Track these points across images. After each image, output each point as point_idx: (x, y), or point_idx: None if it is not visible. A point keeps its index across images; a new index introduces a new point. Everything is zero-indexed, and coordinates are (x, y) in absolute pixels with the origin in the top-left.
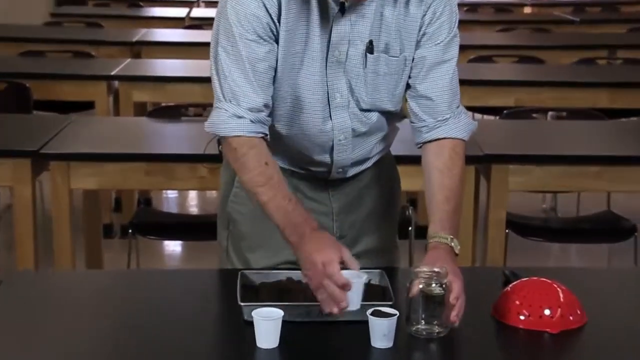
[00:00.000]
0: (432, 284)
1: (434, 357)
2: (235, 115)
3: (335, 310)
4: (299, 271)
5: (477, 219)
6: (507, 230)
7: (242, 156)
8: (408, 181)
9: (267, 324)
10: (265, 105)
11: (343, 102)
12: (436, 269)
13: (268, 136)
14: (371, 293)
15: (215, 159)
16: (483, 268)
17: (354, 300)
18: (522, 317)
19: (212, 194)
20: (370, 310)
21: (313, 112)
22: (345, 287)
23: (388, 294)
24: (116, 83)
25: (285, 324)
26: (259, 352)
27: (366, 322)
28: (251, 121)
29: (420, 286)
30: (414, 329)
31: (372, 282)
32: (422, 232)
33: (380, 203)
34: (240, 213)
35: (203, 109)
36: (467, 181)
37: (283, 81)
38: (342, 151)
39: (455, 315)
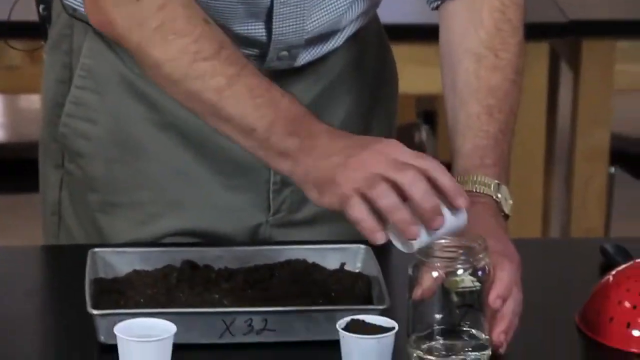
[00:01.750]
0: (457, 270)
1: None
2: None
3: (436, 223)
4: (212, 248)
5: (553, 147)
6: (611, 169)
7: (156, 13)
8: (418, 79)
9: (144, 349)
10: None
11: None
12: (466, 243)
13: None
14: (347, 288)
15: (31, 33)
16: (563, 240)
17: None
18: (636, 333)
19: (32, 101)
20: (344, 322)
21: None
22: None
23: (378, 291)
24: None
25: (180, 349)
26: None
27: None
28: None
29: (436, 275)
30: (423, 355)
31: (347, 266)
32: None
33: (361, 119)
34: (87, 136)
35: None
36: (532, 74)
37: None
38: (288, 16)
39: (501, 332)
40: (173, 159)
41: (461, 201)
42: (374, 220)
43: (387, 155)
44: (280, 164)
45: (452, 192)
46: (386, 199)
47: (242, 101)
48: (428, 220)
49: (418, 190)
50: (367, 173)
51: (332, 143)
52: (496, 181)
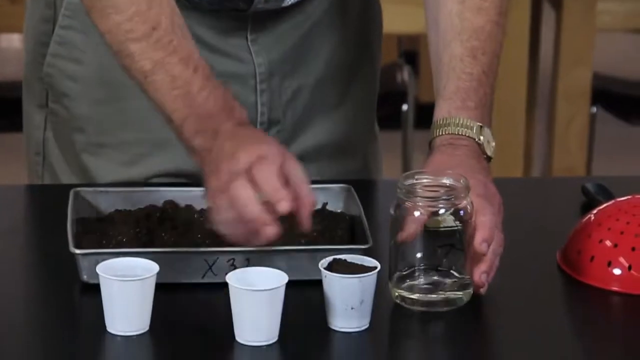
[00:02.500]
0: (439, 210)
1: (443, 350)
2: None
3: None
4: (194, 189)
5: (535, 87)
6: (593, 108)
7: None
8: (400, 19)
9: (127, 288)
10: None
11: None
12: (447, 181)
13: None
14: (330, 228)
15: None
16: (544, 179)
17: None
18: (616, 272)
19: (12, 40)
20: (326, 262)
21: None
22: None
23: (360, 231)
24: None
25: (162, 288)
26: (110, 341)
27: (318, 283)
28: None
29: (418, 214)
30: (405, 294)
31: (329, 206)
32: (425, 114)
33: (344, 58)
34: (73, 77)
35: None
36: (515, 14)
37: None
38: None
39: (483, 272)
40: None
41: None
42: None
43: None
44: (192, 157)
45: (298, 179)
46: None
47: (161, 90)
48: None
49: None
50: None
51: (230, 142)
52: (479, 123)
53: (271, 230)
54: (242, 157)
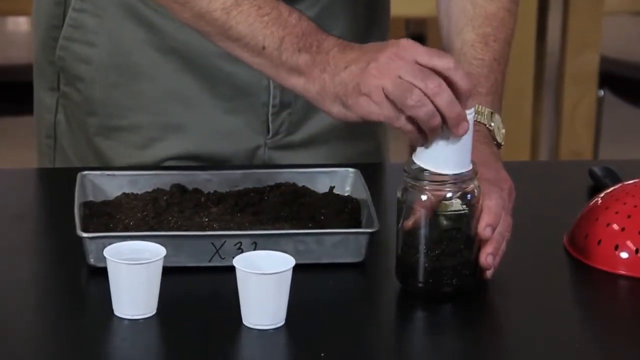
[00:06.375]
0: (446, 194)
1: (450, 334)
2: None
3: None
4: (201, 172)
5: (542, 71)
6: (600, 91)
7: None
8: (409, 1)
9: (134, 271)
10: None
11: None
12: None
13: None
14: (337, 212)
15: None
16: (551, 163)
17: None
18: (624, 255)
19: (19, 23)
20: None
21: None
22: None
23: (367, 214)
24: None
25: (169, 272)
26: (117, 324)
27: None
28: None
29: (424, 198)
30: (411, 279)
31: (336, 190)
32: None
33: (354, 40)
34: (86, 60)
35: None
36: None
37: None
38: None
39: (489, 254)
40: (172, 82)
41: (469, 103)
42: (417, 127)
43: (406, 58)
44: (292, 81)
45: (464, 95)
46: (424, 107)
47: (250, 19)
48: (454, 127)
49: (443, 99)
50: (393, 79)
51: (344, 55)
52: (489, 109)
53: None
54: (388, 50)
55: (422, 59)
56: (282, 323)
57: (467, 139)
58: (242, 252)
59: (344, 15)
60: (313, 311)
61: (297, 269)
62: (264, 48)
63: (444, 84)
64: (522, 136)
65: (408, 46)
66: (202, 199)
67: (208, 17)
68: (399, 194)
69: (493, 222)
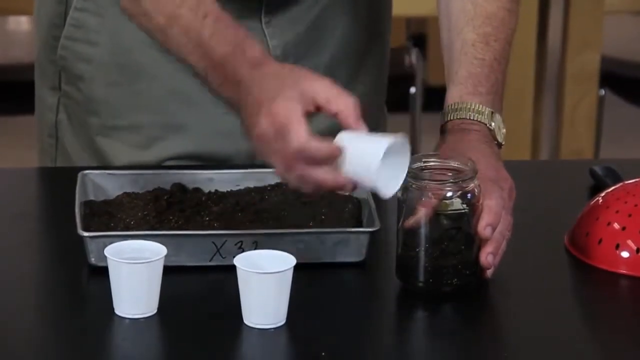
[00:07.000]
0: (447, 193)
1: (452, 334)
2: None
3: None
4: (202, 171)
5: (543, 70)
6: (601, 91)
7: None
8: (409, 1)
9: (135, 271)
10: None
11: None
12: (455, 165)
13: None
14: (337, 211)
15: None
16: (552, 162)
17: (364, 161)
18: (624, 254)
19: (20, 23)
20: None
21: None
22: (329, 158)
23: (368, 214)
24: None
25: (170, 271)
26: (118, 323)
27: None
28: None
29: (424, 197)
30: (411, 278)
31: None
32: (433, 97)
33: (355, 41)
34: (88, 59)
35: None
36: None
37: None
38: None
39: (489, 253)
40: (174, 82)
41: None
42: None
43: (275, 132)
44: (230, 109)
45: (333, 107)
46: (307, 186)
47: (179, 44)
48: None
49: (308, 189)
50: (274, 161)
51: (253, 95)
52: (490, 109)
53: (349, 186)
54: (264, 123)
55: (292, 145)
56: (282, 322)
57: (365, 136)
58: (242, 251)
59: (344, 15)
60: (313, 310)
61: (297, 268)
62: (198, 75)
63: (307, 174)
64: (523, 135)
65: (285, 106)
66: (203, 198)
67: (153, 35)
68: (399, 194)
69: (493, 222)
